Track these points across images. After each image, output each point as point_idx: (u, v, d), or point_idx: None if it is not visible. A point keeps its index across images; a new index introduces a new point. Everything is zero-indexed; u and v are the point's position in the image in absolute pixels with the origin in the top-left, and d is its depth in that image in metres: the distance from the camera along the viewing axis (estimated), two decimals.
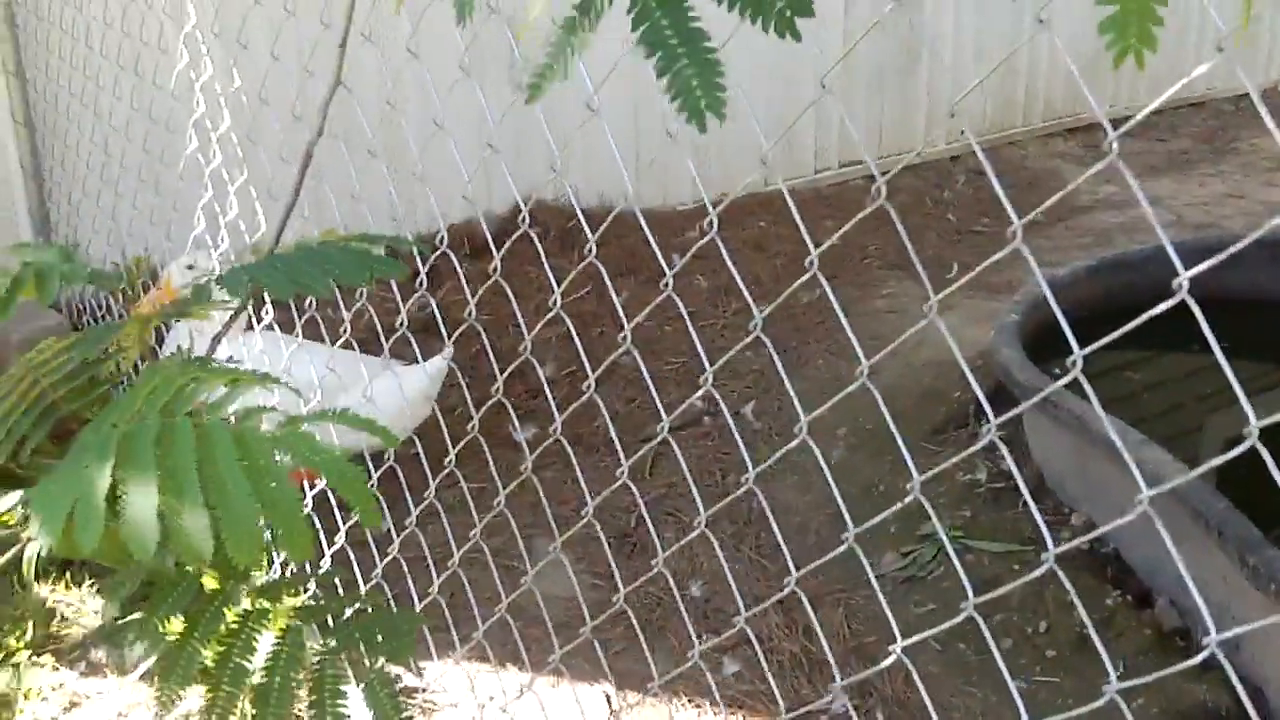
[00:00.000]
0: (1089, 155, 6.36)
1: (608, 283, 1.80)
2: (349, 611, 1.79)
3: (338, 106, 2.05)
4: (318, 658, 1.66)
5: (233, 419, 1.46)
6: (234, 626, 1.64)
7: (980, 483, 3.22)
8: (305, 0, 2.47)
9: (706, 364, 1.56)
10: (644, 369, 1.78)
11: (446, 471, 2.18)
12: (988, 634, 1.29)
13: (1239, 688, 1.16)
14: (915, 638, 1.35)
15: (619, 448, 1.83)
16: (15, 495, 3.43)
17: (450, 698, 2.60)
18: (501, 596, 2.19)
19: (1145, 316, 1.01)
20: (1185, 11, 6.51)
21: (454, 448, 2.15)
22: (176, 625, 1.64)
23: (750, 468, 1.54)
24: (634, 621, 2.00)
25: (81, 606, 3.08)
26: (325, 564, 2.62)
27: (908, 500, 1.28)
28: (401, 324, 2.19)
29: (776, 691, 1.76)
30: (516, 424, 2.37)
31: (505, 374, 1.98)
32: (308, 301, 2.63)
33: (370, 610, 1.79)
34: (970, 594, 1.23)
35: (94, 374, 1.91)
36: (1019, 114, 6.40)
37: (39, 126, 4.39)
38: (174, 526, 1.26)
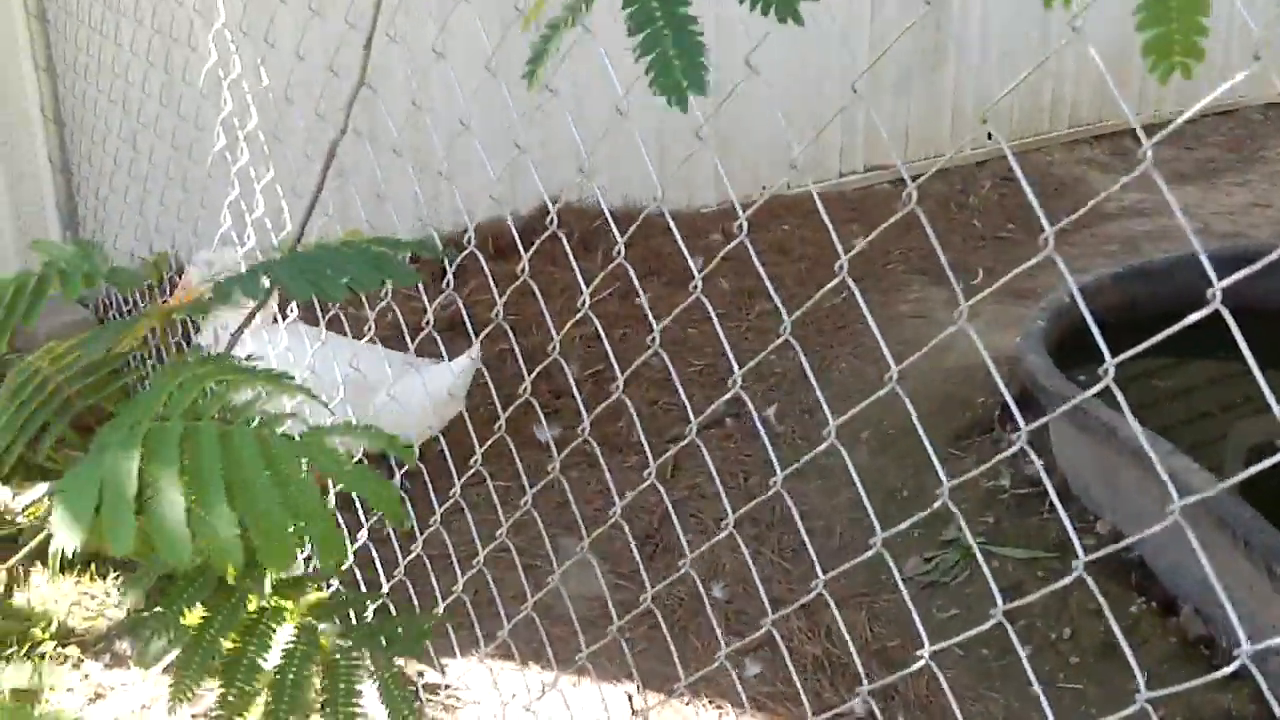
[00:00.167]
0: (1115, 162, 6.33)
1: (636, 284, 1.80)
2: (371, 608, 1.80)
3: (363, 106, 2.06)
4: (334, 655, 1.66)
5: (257, 421, 1.46)
6: (250, 622, 1.64)
7: (1004, 489, 3.21)
8: (331, 0, 2.48)
9: (735, 366, 1.56)
10: (672, 371, 1.78)
11: (473, 470, 2.18)
12: (1015, 640, 1.28)
13: (1272, 700, 1.15)
14: (944, 643, 1.35)
15: (646, 449, 1.83)
16: (41, 488, 3.47)
17: (473, 695, 2.60)
18: (527, 595, 2.19)
19: (1181, 324, 1.00)
20: (1214, 18, 6.48)
21: (480, 446, 2.15)
22: (195, 618, 1.65)
23: (779, 470, 1.54)
24: (660, 621, 2.00)
25: (106, 599, 3.10)
26: (348, 560, 2.63)
27: (937, 505, 1.28)
28: (428, 323, 2.20)
29: (803, 693, 1.76)
30: (544, 422, 2.37)
31: (534, 374, 1.98)
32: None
33: (389, 608, 1.79)
34: (999, 601, 1.23)
35: (112, 368, 1.92)
36: (1045, 119, 6.38)
37: (68, 122, 4.41)
38: (206, 532, 1.26)
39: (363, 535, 2.55)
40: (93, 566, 3.17)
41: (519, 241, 2.07)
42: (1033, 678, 1.30)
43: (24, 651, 2.79)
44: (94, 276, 1.60)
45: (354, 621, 1.73)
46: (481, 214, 4.34)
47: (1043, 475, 1.30)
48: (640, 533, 3.27)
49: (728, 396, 1.63)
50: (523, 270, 1.90)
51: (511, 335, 2.24)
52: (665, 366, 3.76)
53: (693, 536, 3.23)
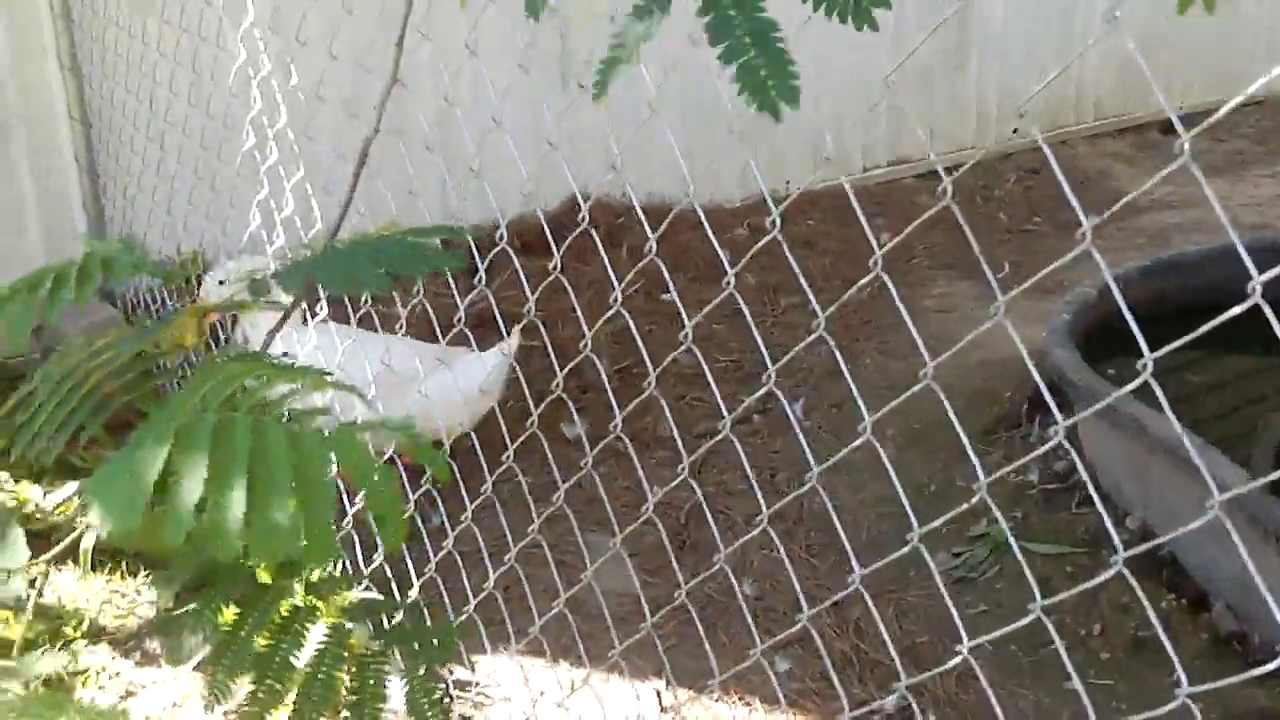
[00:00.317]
0: (1140, 155, 6.30)
1: (668, 281, 1.80)
2: (398, 614, 1.81)
3: (393, 103, 2.06)
4: (363, 657, 1.67)
5: (287, 416, 1.47)
6: (284, 621, 1.65)
7: (1032, 484, 3.20)
8: None
9: (769, 361, 1.56)
10: (705, 366, 1.78)
11: (505, 467, 2.19)
12: (1055, 635, 1.28)
13: None
14: (980, 639, 1.34)
15: (679, 444, 1.83)
16: (72, 486, 3.49)
17: (504, 691, 2.61)
18: (559, 591, 2.20)
19: (1223, 318, 1.00)
20: (1243, 9, 6.44)
21: (512, 443, 2.16)
22: (228, 616, 1.66)
23: (813, 465, 1.54)
24: (691, 618, 2.00)
25: (136, 597, 3.12)
26: (377, 558, 2.64)
27: (974, 500, 1.28)
28: (459, 320, 2.20)
29: (839, 688, 1.76)
30: (576, 418, 2.38)
31: (565, 370, 1.99)
32: (363, 298, 2.65)
33: (419, 611, 1.80)
34: (1038, 596, 1.22)
35: (147, 367, 1.93)
36: (1070, 113, 6.35)
37: (94, 121, 4.43)
38: (211, 518, 1.27)
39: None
40: (123, 564, 3.19)
41: (550, 237, 2.07)
42: (1073, 673, 1.30)
43: (55, 648, 2.81)
44: (140, 266, 1.61)
45: (385, 623, 1.74)
46: (509, 210, 4.35)
47: (1080, 468, 1.30)
48: (669, 529, 3.28)
49: (761, 392, 1.63)
50: (555, 266, 1.90)
51: (544, 330, 2.24)
52: (693, 362, 3.77)
53: (722, 533, 3.22)
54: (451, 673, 2.67)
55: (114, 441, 1.77)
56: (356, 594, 2.03)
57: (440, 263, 1.68)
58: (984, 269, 1.37)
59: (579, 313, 2.35)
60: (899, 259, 4.79)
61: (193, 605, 1.70)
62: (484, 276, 2.11)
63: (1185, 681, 1.09)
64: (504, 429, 2.27)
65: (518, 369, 2.87)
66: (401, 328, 2.44)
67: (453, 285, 2.28)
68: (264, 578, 1.72)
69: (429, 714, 1.63)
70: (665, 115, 1.79)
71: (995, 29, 5.93)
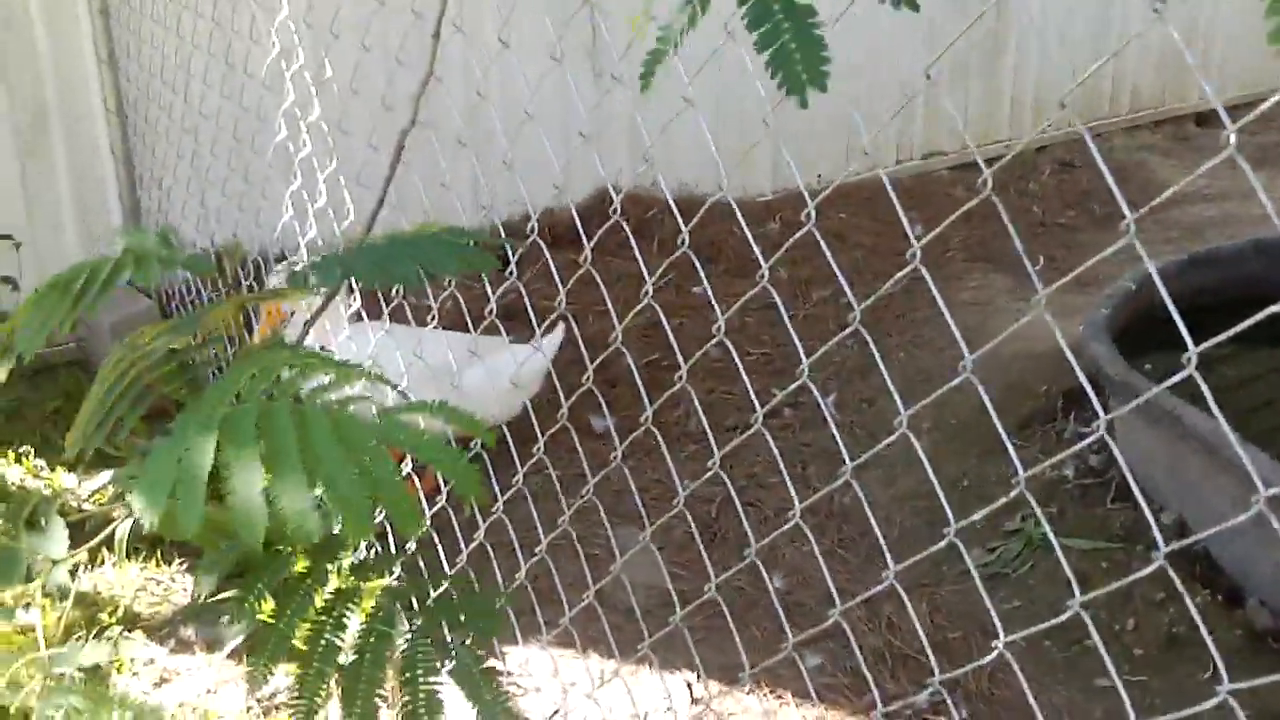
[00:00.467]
0: (1177, 147, 6.25)
1: (700, 273, 1.80)
2: (435, 594, 1.81)
3: (425, 95, 2.07)
4: (407, 636, 1.67)
5: (333, 403, 1.47)
6: (326, 605, 1.65)
7: (1067, 479, 3.18)
8: None
9: (803, 355, 1.55)
10: (738, 360, 1.78)
11: (535, 459, 2.19)
12: (1094, 631, 1.27)
13: None
14: (1018, 634, 1.33)
15: (710, 437, 1.83)
16: (107, 475, 3.51)
17: (534, 682, 2.62)
18: (589, 583, 2.20)
19: (1266, 313, 0.98)
20: None
21: (542, 435, 2.16)
22: (268, 605, 1.66)
23: (847, 460, 1.53)
24: (724, 610, 2.00)
25: (171, 584, 3.14)
26: (410, 547, 2.65)
27: (1013, 495, 1.27)
28: (490, 311, 2.21)
29: (872, 682, 1.75)
30: (607, 411, 2.38)
31: (595, 363, 1.99)
32: (394, 290, 2.65)
33: (457, 592, 1.79)
34: (1077, 591, 1.21)
35: (186, 359, 1.94)
36: (1105, 105, 6.30)
37: (130, 114, 4.47)
38: (281, 508, 1.28)
39: (425, 523, 2.56)
40: (158, 552, 3.21)
41: (581, 230, 2.08)
42: (1111, 669, 1.29)
43: (92, 635, 2.83)
44: (172, 262, 1.62)
45: (427, 604, 1.74)
46: (538, 202, 4.36)
47: (1121, 463, 1.28)
48: (698, 522, 3.27)
49: (795, 385, 1.63)
50: (585, 259, 1.90)
51: (576, 325, 2.24)
52: (722, 356, 3.76)
53: (753, 527, 3.22)
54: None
55: (147, 430, 1.78)
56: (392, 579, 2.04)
57: (477, 263, 1.68)
58: (1017, 262, 1.36)
59: (608, 306, 2.35)
60: (933, 252, 4.77)
61: (233, 592, 1.70)
62: (515, 270, 2.11)
63: (1226, 678, 1.08)
64: (535, 422, 2.27)
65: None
66: (434, 319, 2.45)
67: (484, 277, 2.28)
68: (299, 564, 1.72)
69: (480, 685, 1.63)
70: (700, 108, 1.79)
71: (1032, 20, 5.89)
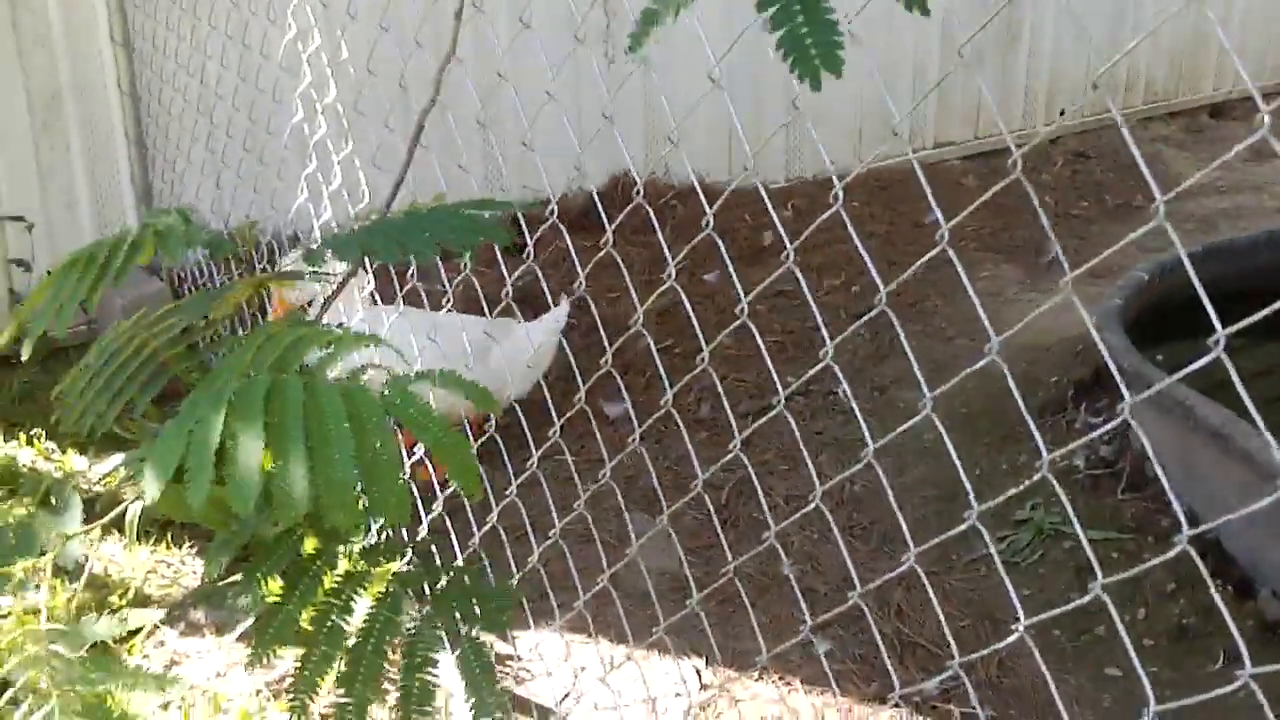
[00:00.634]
0: (1190, 139, 6.23)
1: (720, 259, 1.80)
2: (444, 580, 1.80)
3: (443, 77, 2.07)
4: (413, 624, 1.66)
5: (342, 376, 1.47)
6: (334, 587, 1.65)
7: (1078, 469, 3.18)
8: None
9: (827, 337, 1.56)
10: (760, 343, 1.78)
11: (550, 443, 2.19)
12: (1114, 612, 1.27)
13: None
14: (1037, 618, 1.34)
15: (732, 421, 1.84)
16: (117, 458, 3.52)
17: (545, 666, 2.62)
18: (604, 567, 2.20)
19: None
20: None
21: (558, 419, 2.16)
22: (275, 586, 1.66)
23: (870, 441, 1.54)
24: (738, 594, 2.01)
25: (181, 567, 3.15)
26: (422, 531, 2.65)
27: (1036, 479, 1.27)
28: (506, 294, 2.21)
29: (890, 668, 1.76)
30: (625, 395, 2.38)
31: (614, 348, 1.99)
32: (408, 272, 2.65)
33: (467, 580, 1.79)
34: (1099, 575, 1.21)
35: (197, 339, 1.94)
36: (1119, 96, 6.28)
37: (144, 95, 4.47)
38: (273, 479, 1.27)
39: (438, 507, 2.57)
40: (169, 535, 3.22)
41: (603, 214, 2.08)
42: (1133, 656, 1.29)
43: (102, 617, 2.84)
44: (193, 240, 1.62)
45: (436, 591, 1.74)
46: (554, 186, 4.36)
47: (1148, 447, 1.28)
48: (710, 508, 3.28)
49: (816, 369, 1.63)
50: (606, 242, 1.90)
51: (594, 308, 2.24)
52: (734, 343, 3.76)
53: (763, 512, 3.22)
54: (492, 647, 2.68)
55: (159, 414, 1.78)
56: (403, 564, 2.04)
57: (494, 236, 1.68)
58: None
59: (624, 291, 2.36)
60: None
61: (240, 575, 1.70)
62: (531, 252, 2.12)
63: (1249, 663, 1.08)
64: (551, 405, 2.27)
65: (564, 343, 2.87)
66: (449, 302, 2.45)
67: (500, 258, 2.28)
68: (309, 547, 1.73)
69: (481, 679, 1.63)
70: (714, 95, 1.78)
71: (1046, 9, 5.87)
